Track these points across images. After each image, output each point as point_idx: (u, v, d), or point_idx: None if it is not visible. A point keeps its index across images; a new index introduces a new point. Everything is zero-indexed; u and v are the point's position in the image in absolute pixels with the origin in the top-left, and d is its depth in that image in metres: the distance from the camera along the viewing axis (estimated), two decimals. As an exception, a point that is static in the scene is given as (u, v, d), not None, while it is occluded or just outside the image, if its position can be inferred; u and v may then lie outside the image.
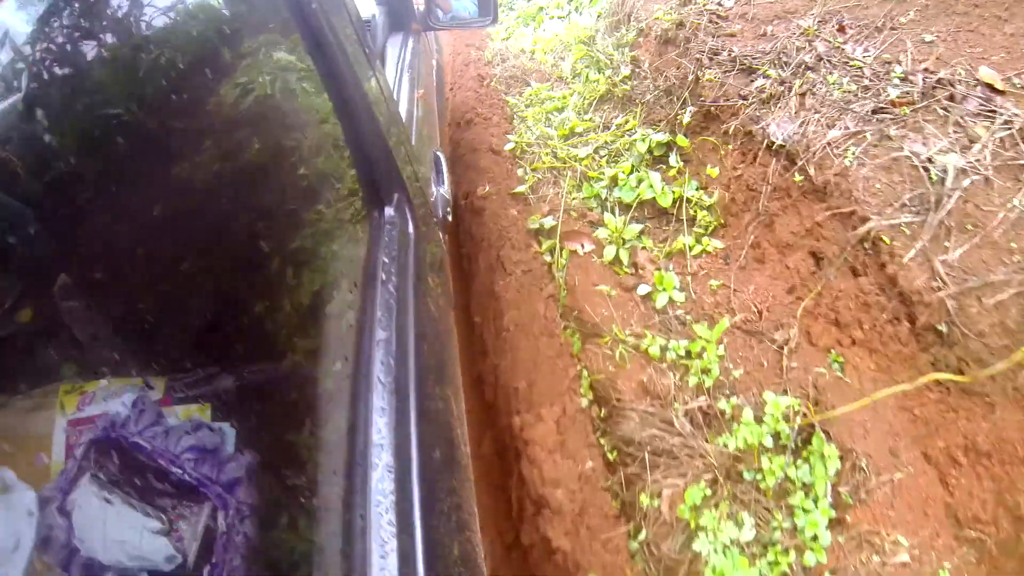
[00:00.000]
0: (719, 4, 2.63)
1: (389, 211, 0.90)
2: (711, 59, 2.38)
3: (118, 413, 0.93)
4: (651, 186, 2.27)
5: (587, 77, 3.32)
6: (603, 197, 2.36)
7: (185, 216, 0.84)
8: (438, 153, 1.31)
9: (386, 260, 0.81)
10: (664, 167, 2.41)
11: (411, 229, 0.91)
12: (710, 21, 2.57)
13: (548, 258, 2.11)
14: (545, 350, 1.67)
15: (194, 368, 1.07)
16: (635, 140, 2.53)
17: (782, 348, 1.67)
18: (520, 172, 2.55)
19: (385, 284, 0.78)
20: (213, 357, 0.85)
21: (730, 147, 2.17)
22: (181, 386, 1.07)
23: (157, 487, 0.87)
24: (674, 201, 2.23)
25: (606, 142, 2.67)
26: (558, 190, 2.43)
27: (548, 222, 2.17)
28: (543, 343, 1.70)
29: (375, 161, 0.90)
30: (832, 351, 1.67)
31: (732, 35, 2.46)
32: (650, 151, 2.45)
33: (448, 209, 1.14)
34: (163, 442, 0.92)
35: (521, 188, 2.45)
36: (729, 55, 2.32)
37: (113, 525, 0.80)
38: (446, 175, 1.25)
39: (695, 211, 2.19)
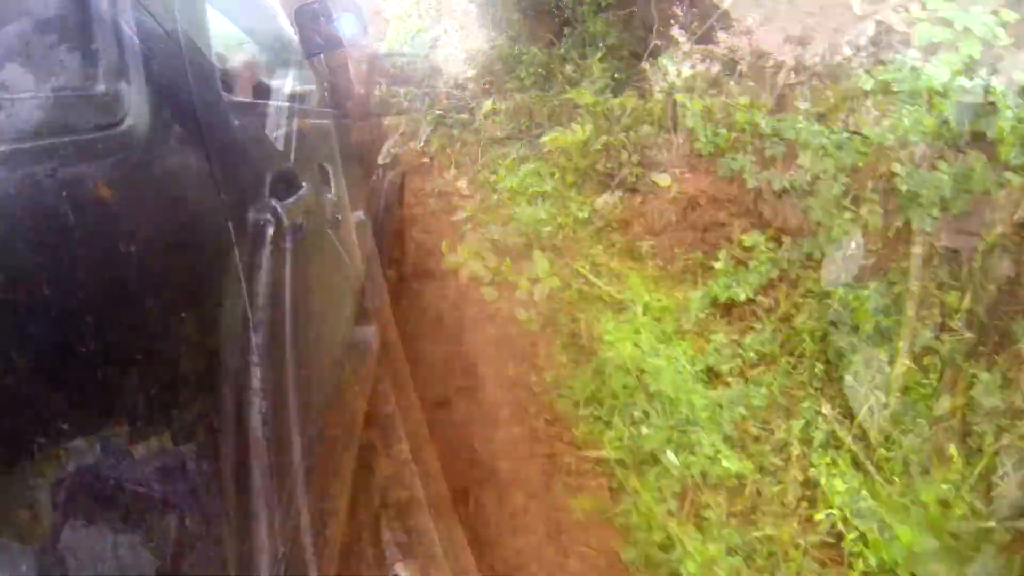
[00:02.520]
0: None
1: (252, 214, 1.02)
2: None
3: (89, 460, 1.05)
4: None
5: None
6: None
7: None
8: (325, 165, 1.46)
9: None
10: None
11: (284, 223, 1.04)
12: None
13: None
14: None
15: (152, 407, 1.18)
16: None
17: None
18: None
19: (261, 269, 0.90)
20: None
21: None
22: (142, 424, 1.19)
23: (133, 507, 0.98)
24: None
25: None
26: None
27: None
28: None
29: (240, 176, 1.03)
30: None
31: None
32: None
33: (336, 210, 1.29)
34: (130, 471, 1.03)
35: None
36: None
37: (101, 550, 0.90)
38: (333, 182, 1.40)
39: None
